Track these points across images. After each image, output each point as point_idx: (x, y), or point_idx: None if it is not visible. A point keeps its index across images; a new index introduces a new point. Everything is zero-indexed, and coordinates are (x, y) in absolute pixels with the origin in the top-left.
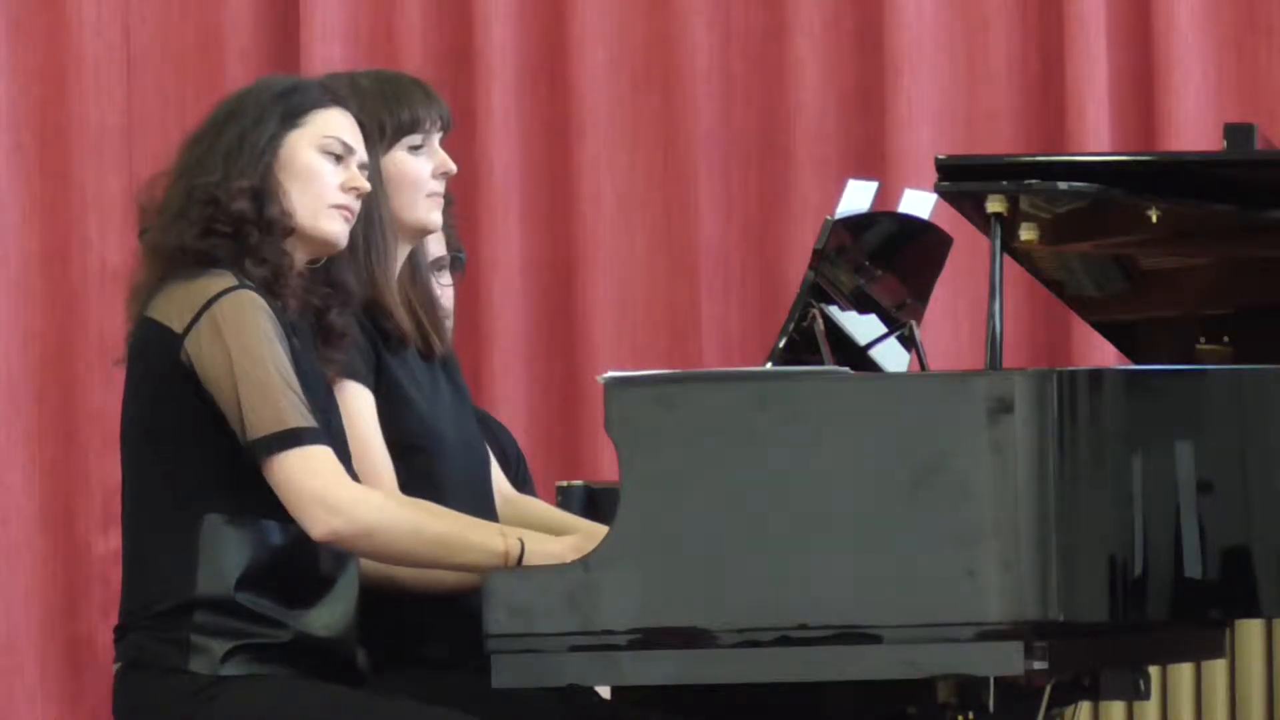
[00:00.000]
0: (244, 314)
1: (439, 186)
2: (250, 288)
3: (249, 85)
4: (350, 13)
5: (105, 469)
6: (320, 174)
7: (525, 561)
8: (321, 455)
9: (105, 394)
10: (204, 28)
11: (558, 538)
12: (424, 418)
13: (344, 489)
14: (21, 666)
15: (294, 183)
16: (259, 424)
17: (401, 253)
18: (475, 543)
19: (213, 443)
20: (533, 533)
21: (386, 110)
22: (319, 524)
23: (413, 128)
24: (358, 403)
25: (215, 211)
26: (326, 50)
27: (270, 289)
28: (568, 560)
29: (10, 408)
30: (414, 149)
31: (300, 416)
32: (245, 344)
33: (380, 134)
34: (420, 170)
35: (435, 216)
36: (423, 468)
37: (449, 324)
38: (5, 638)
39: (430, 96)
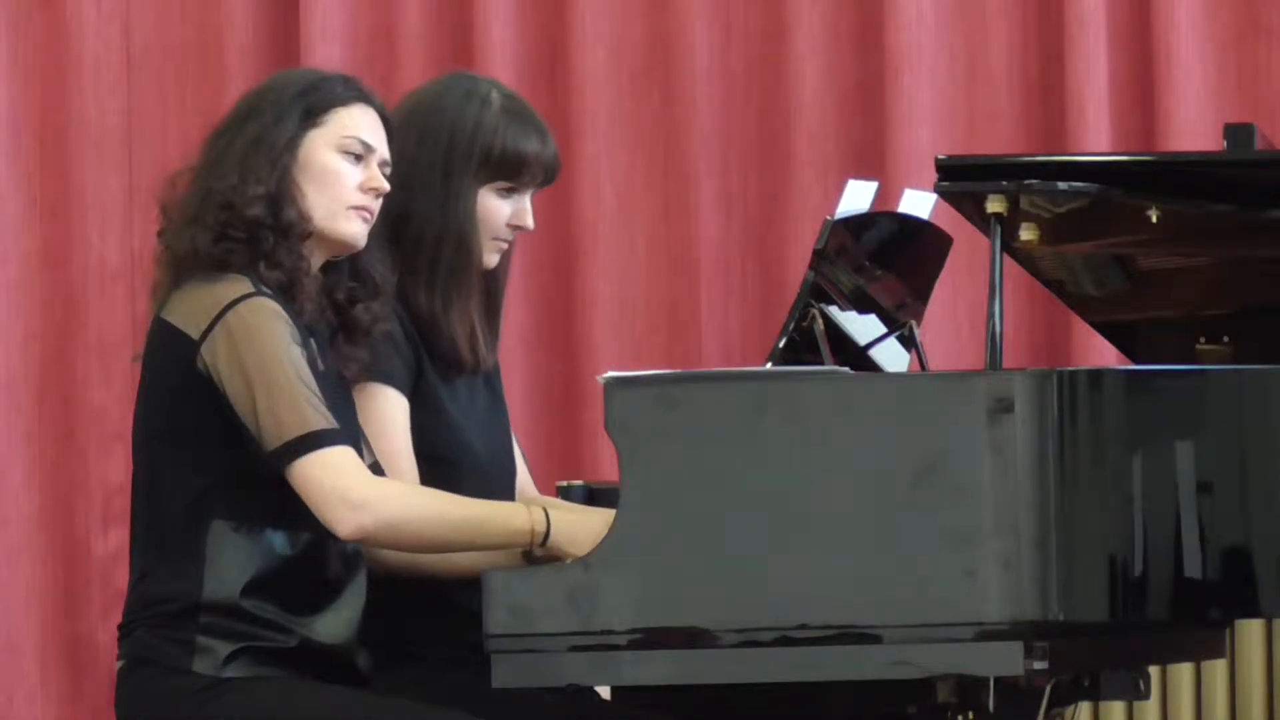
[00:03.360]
0: (260, 321)
1: (508, 235)
2: (266, 294)
3: (271, 79)
4: (350, 13)
5: (105, 469)
6: (339, 175)
7: (553, 531)
8: (344, 455)
9: (105, 394)
10: (204, 28)
11: (584, 511)
12: (455, 429)
13: (367, 486)
14: (21, 666)
15: (312, 184)
16: (280, 430)
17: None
18: (501, 521)
19: (221, 450)
20: (555, 501)
21: (499, 137)
22: (345, 523)
23: (515, 172)
24: (392, 410)
25: (230, 216)
26: (326, 50)
27: (286, 293)
28: (596, 529)
29: (10, 408)
30: (503, 193)
31: (321, 419)
32: (262, 352)
33: (484, 160)
34: (498, 215)
35: (491, 259)
36: (446, 478)
37: None
38: (5, 638)
39: (545, 144)
